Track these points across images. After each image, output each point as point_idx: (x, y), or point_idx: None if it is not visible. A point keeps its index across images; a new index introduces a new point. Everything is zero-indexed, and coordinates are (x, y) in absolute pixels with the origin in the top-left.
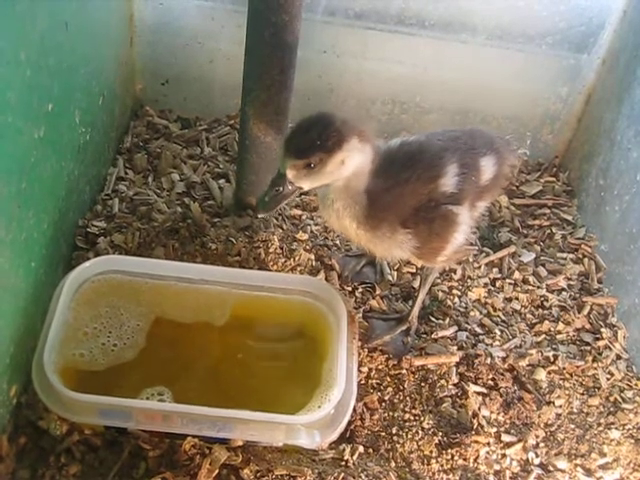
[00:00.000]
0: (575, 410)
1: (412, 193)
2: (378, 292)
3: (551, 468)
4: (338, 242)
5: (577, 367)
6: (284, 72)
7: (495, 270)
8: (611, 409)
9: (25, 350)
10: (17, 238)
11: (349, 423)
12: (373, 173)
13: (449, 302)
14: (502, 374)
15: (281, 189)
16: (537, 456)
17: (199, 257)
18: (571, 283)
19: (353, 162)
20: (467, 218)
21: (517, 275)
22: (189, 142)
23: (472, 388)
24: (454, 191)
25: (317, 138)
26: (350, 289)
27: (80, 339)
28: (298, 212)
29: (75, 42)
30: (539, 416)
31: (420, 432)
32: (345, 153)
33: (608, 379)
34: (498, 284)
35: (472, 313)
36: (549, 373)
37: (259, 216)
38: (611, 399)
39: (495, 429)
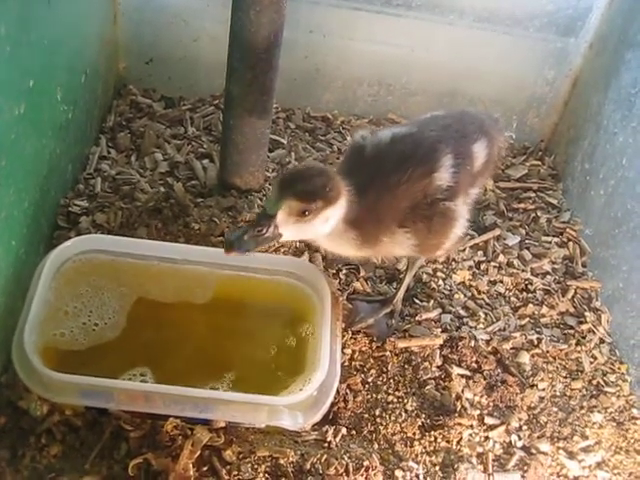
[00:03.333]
0: (558, 393)
1: (405, 193)
2: (362, 274)
3: (534, 451)
4: None
5: (560, 350)
6: (269, 51)
7: (480, 253)
8: (594, 392)
9: (5, 329)
10: None
11: (332, 405)
12: (357, 183)
13: (433, 284)
14: (486, 357)
15: (264, 231)
16: (520, 439)
17: (182, 237)
18: (555, 267)
19: (334, 220)
20: (464, 211)
21: (502, 258)
22: (173, 122)
23: (456, 371)
24: (450, 184)
25: (322, 186)
26: (334, 271)
27: (61, 319)
28: None
29: (57, 18)
30: (522, 399)
31: (403, 414)
32: (333, 210)
33: (591, 363)
34: (483, 267)
35: (456, 296)
36: (533, 356)
37: (228, 255)
38: (594, 382)
39: (478, 412)
